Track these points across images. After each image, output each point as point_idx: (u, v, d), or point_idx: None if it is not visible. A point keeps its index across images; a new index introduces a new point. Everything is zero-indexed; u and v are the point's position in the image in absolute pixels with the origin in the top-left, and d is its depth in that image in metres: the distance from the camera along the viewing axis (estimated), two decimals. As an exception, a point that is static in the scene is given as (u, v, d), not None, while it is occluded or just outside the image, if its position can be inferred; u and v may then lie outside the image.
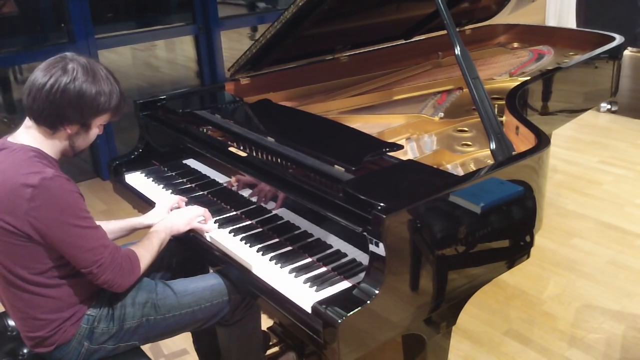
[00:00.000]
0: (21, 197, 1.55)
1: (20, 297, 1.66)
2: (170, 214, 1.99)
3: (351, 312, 1.44)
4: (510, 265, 1.80)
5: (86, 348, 1.72)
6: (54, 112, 1.62)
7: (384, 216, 1.45)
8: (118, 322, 1.75)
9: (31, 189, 1.54)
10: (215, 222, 1.99)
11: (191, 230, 1.95)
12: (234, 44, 5.61)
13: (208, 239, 1.93)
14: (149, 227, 2.01)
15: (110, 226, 2.00)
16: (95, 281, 1.65)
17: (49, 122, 1.63)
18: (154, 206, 2.14)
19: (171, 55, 6.27)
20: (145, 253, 1.78)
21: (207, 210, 2.00)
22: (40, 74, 1.62)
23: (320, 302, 1.52)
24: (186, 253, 2.12)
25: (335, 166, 1.79)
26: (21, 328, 1.74)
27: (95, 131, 1.73)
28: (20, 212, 1.55)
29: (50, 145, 1.68)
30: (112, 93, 1.69)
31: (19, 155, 1.62)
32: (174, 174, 2.40)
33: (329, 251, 1.75)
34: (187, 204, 2.11)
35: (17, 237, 1.58)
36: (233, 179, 2.08)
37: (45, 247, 1.60)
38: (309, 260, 1.74)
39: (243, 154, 2.04)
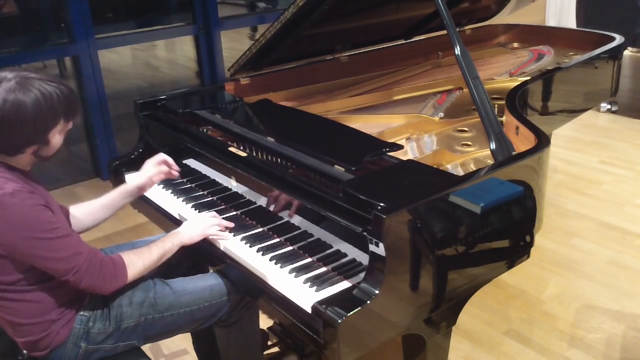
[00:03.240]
0: None
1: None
2: (184, 223, 1.93)
3: (351, 312, 1.44)
4: (510, 265, 1.80)
5: (84, 349, 1.71)
6: (1, 143, 1.56)
7: (384, 216, 1.45)
8: (115, 321, 1.74)
9: None
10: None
11: (205, 239, 1.90)
12: (234, 44, 5.60)
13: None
14: (138, 188, 2.01)
15: (101, 202, 1.98)
16: (77, 287, 1.62)
17: (3, 150, 1.58)
18: (154, 207, 2.14)
19: (171, 55, 6.26)
20: (137, 260, 1.73)
21: (221, 218, 1.95)
22: None
23: (320, 302, 1.52)
24: (186, 252, 2.11)
25: (335, 166, 1.79)
26: (11, 334, 1.73)
27: (57, 139, 1.64)
28: None
29: (14, 161, 1.62)
30: (53, 103, 1.56)
31: None
32: (174, 174, 2.40)
33: (329, 251, 1.75)
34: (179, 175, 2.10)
35: None
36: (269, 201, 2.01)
37: (11, 260, 1.57)
38: (309, 260, 1.74)
39: (243, 154, 2.04)
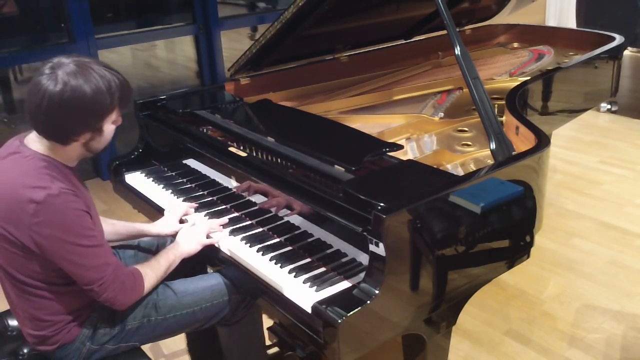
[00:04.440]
0: (25, 211, 1.51)
1: (26, 299, 1.66)
2: (179, 236, 1.92)
3: (351, 312, 1.44)
4: (510, 265, 1.80)
5: (87, 348, 1.72)
6: (57, 128, 1.55)
7: (384, 216, 1.45)
8: (119, 322, 1.75)
9: (35, 205, 1.50)
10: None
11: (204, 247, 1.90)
12: (234, 44, 5.61)
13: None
14: (156, 235, 2.01)
15: (118, 227, 2.00)
16: (97, 299, 1.63)
17: (57, 138, 1.58)
18: (154, 207, 2.14)
19: (171, 55, 6.27)
20: (151, 273, 1.75)
21: (214, 221, 1.96)
22: (33, 90, 1.52)
23: (320, 302, 1.52)
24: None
25: (335, 166, 1.79)
26: (24, 326, 1.73)
27: (110, 129, 1.64)
28: (23, 225, 1.53)
29: (64, 154, 1.62)
30: (111, 88, 1.56)
31: (29, 164, 1.57)
32: (174, 174, 2.40)
33: (329, 251, 1.75)
34: (196, 209, 2.09)
35: (17, 247, 1.56)
36: (242, 186, 2.05)
37: (44, 259, 1.58)
38: (309, 260, 1.74)
39: (243, 154, 2.04)
